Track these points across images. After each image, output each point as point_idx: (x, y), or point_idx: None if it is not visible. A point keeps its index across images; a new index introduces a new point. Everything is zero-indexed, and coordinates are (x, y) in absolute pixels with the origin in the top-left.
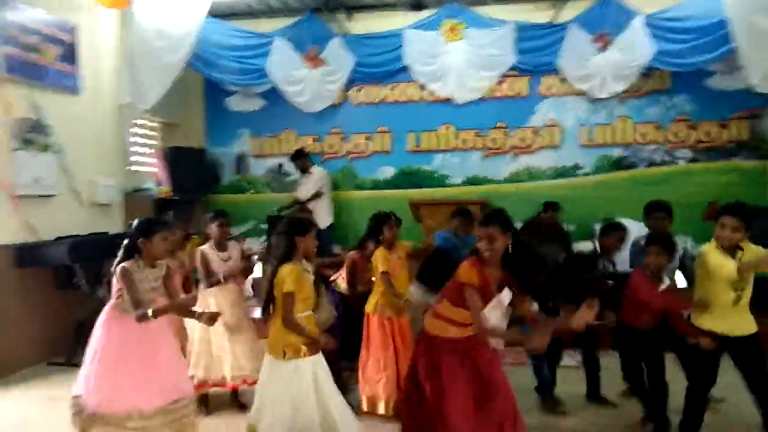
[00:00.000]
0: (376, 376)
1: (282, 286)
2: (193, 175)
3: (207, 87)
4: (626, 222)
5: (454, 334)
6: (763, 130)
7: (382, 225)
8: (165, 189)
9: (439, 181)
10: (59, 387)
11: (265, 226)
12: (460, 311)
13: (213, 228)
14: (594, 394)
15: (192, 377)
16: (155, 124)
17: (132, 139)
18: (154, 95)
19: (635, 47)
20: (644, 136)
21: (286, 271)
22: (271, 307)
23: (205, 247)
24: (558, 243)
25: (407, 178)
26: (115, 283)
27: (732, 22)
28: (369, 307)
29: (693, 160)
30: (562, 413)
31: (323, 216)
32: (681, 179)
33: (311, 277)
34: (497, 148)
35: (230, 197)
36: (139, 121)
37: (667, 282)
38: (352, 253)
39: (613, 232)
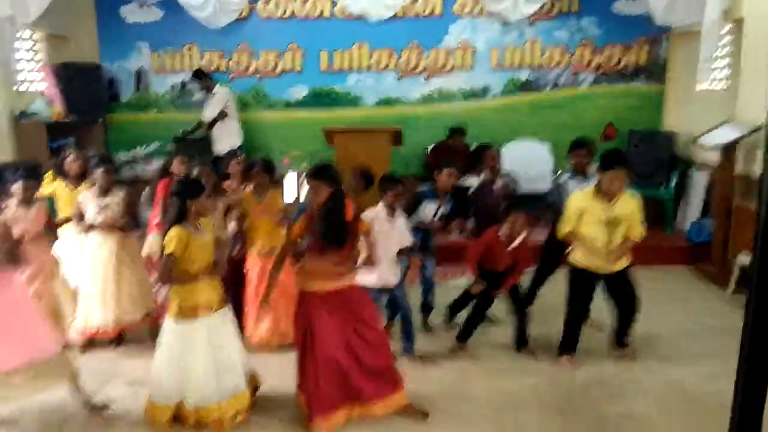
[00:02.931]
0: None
1: (166, 248)
2: (88, 93)
3: None
4: (527, 143)
5: (319, 288)
6: (660, 55)
7: (250, 168)
8: (57, 110)
9: (353, 102)
10: None
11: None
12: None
13: (97, 173)
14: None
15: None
16: (39, 37)
17: (16, 56)
18: (37, 7)
19: None
20: (551, 59)
21: (172, 234)
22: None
23: (86, 193)
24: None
25: (320, 99)
26: None
27: None
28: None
29: (594, 83)
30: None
31: (230, 137)
32: (581, 102)
33: (206, 240)
34: (411, 69)
35: (132, 116)
36: (20, 35)
37: (518, 240)
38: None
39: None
